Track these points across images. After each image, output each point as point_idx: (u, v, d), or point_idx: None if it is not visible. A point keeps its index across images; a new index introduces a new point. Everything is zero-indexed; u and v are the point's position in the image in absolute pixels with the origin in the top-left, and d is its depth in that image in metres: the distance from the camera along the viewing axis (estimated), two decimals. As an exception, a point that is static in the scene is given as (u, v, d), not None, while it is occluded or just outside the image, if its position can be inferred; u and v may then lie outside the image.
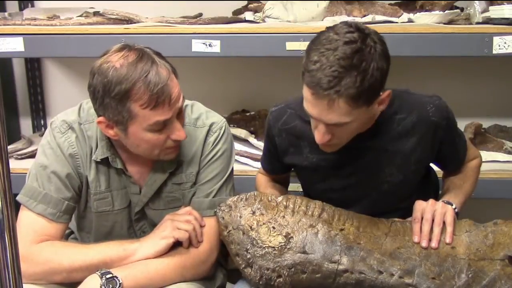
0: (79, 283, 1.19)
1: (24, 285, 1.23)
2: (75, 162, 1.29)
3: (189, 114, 1.35)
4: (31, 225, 1.24)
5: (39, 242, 1.23)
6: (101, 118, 1.20)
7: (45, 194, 1.26)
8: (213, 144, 1.34)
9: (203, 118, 1.36)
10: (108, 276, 1.16)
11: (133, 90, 1.13)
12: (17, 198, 1.26)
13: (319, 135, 1.20)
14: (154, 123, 1.17)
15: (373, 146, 1.30)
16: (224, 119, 1.39)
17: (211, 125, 1.35)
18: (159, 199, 1.34)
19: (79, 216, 1.39)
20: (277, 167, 1.48)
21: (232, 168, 1.39)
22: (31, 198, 1.26)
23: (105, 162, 1.29)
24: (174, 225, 1.26)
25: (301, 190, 1.56)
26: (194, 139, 1.33)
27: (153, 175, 1.32)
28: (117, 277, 1.17)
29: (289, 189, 1.61)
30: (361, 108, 1.14)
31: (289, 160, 1.41)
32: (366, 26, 1.15)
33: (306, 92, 1.15)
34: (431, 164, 1.44)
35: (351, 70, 1.08)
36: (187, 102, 1.37)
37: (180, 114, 1.24)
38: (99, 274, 1.17)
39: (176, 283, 1.25)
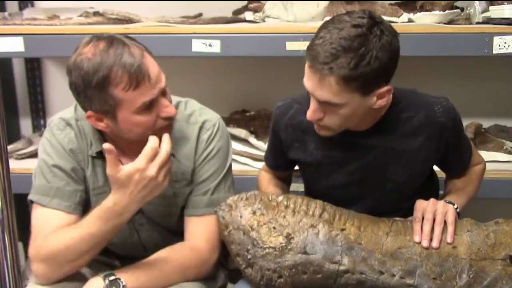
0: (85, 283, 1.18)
1: (30, 284, 1.24)
2: (76, 157, 1.29)
3: (182, 111, 1.34)
4: (48, 220, 1.23)
5: None
6: (89, 113, 1.20)
7: (57, 188, 1.26)
8: (207, 142, 1.33)
9: (196, 115, 1.35)
10: (111, 278, 1.16)
11: (111, 75, 1.13)
12: (29, 197, 1.27)
13: (310, 111, 1.21)
14: (141, 105, 1.17)
15: (379, 143, 1.29)
16: (219, 116, 1.38)
17: (203, 122, 1.34)
18: None
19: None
20: (281, 163, 1.47)
21: (230, 165, 1.38)
22: (43, 195, 1.25)
23: (100, 156, 1.29)
24: None
25: (302, 190, 1.55)
26: (186, 136, 1.33)
27: None
28: (120, 279, 1.16)
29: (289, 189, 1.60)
30: (354, 94, 1.14)
31: (294, 156, 1.40)
32: (382, 18, 1.17)
33: (306, 65, 1.17)
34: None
35: (349, 51, 1.10)
36: (181, 99, 1.37)
37: (165, 94, 1.22)
38: (102, 276, 1.17)
39: (178, 283, 1.25)
